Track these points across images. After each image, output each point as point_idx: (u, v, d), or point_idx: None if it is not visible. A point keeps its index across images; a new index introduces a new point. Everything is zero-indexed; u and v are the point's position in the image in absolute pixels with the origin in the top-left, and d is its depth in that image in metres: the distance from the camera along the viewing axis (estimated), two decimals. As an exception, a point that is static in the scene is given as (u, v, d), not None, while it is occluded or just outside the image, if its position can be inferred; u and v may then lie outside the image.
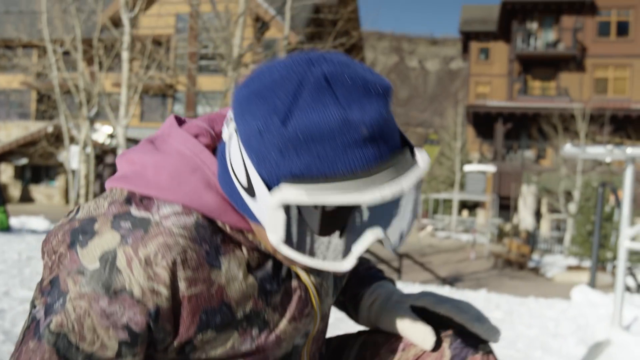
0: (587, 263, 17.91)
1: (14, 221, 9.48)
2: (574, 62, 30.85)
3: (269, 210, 0.80)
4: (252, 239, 0.94)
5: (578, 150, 4.21)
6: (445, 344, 1.15)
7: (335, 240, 0.87)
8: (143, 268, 0.84)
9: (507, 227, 25.84)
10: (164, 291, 0.86)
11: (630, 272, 9.23)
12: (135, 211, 0.88)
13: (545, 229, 27.24)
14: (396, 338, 1.19)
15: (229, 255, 0.92)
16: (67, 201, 25.12)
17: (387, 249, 0.87)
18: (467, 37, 34.86)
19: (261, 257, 0.96)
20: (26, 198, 27.97)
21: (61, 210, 20.93)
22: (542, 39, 31.70)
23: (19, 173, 28.33)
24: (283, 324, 0.99)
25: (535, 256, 21.13)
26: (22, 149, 26.07)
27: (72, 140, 17.29)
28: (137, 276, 0.84)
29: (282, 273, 0.99)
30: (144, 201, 0.90)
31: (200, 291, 0.88)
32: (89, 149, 14.93)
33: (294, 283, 1.00)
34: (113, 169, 16.86)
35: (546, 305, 5.08)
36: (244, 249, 0.94)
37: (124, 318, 0.85)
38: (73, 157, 15.90)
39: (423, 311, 1.21)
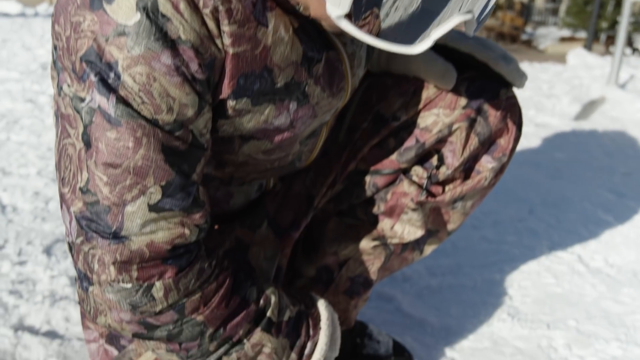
0: (581, 34, 17.60)
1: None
2: None
3: None
4: None
5: None
6: (462, 87, 1.02)
7: (407, 17, 0.67)
8: (193, 12, 0.68)
9: (502, -1, 24.93)
10: (217, 42, 0.71)
11: (629, 40, 9.05)
12: None
13: (540, 0, 26.34)
14: (407, 80, 1.06)
15: (276, 13, 0.75)
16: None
17: (468, 32, 0.69)
18: None
19: (302, 20, 0.79)
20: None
21: (35, -3, 19.86)
22: None
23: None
24: (322, 97, 0.85)
25: (529, 29, 20.70)
26: None
27: None
28: (191, 21, 0.68)
29: (322, 40, 0.83)
30: None
31: (244, 51, 0.73)
32: None
33: (332, 54, 0.85)
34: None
35: (540, 69, 4.98)
36: (285, 10, 0.77)
37: (191, 68, 0.70)
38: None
39: (442, 50, 1.07)
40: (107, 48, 0.68)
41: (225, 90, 0.76)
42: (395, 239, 1.11)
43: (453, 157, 1.04)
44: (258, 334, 0.85)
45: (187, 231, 0.76)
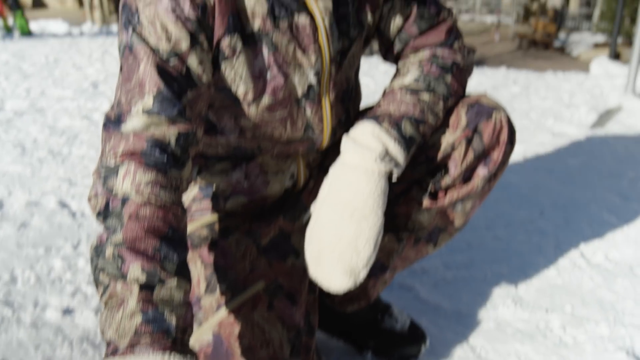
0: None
1: (33, 26, 9.49)
2: None
3: None
4: None
5: None
6: (463, 110, 1.25)
7: None
8: None
9: (534, 6, 24.85)
10: None
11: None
12: None
13: (574, 5, 26.16)
14: None
15: None
16: (80, 4, 24.55)
17: None
18: None
19: None
20: (38, 3, 27.39)
21: (76, 14, 20.60)
22: None
23: (28, -23, 27.39)
24: (290, 49, 1.11)
25: (562, 35, 20.60)
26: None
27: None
28: None
29: (294, 7, 1.10)
30: None
31: None
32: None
33: (304, 19, 1.11)
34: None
35: (563, 78, 5.15)
36: None
37: (185, 11, 1.01)
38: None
39: None
40: (134, 1, 1.02)
41: (220, 28, 1.04)
42: (407, 233, 1.35)
43: (454, 169, 1.28)
44: (135, 290, 0.91)
45: (167, 134, 1.00)
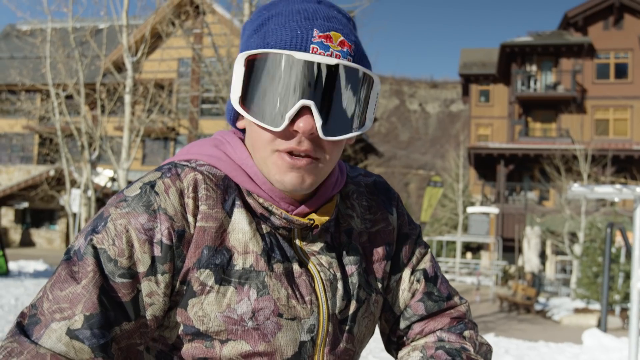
0: (594, 305, 17.68)
1: (12, 265, 9.38)
2: (574, 103, 31.04)
3: (234, 72, 0.95)
4: (262, 202, 0.99)
5: (586, 189, 4.12)
6: None
7: (277, 106, 0.92)
8: (178, 195, 0.94)
9: (512, 269, 25.60)
10: (190, 219, 0.94)
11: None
12: (177, 160, 1.03)
13: (550, 270, 26.96)
14: None
15: (243, 211, 0.98)
16: (67, 244, 24.93)
17: (321, 135, 0.91)
18: (467, 80, 35.24)
19: (274, 232, 1.00)
20: (27, 242, 27.85)
21: (62, 254, 20.74)
22: (542, 81, 31.99)
23: (20, 217, 28.26)
24: (282, 294, 0.96)
25: (542, 299, 20.83)
26: (23, 193, 26.04)
27: (74, 183, 17.26)
28: (173, 200, 0.94)
29: (290, 253, 1.00)
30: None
31: (209, 227, 0.94)
32: (90, 192, 14.88)
33: (299, 267, 1.00)
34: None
35: (557, 350, 4.92)
36: (259, 216, 0.99)
37: (158, 234, 0.91)
38: (74, 201, 15.82)
39: None
40: (110, 209, 0.94)
41: (191, 258, 0.93)
42: None
43: None
44: None
45: None
